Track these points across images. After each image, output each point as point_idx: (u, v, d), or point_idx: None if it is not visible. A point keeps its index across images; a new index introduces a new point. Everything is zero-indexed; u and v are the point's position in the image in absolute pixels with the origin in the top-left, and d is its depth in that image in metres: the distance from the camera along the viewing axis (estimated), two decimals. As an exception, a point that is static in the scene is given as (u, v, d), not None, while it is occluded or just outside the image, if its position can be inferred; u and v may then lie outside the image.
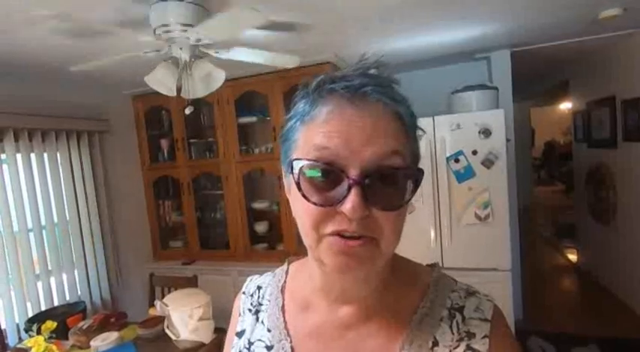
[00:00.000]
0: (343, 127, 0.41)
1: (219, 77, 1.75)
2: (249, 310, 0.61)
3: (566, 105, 7.09)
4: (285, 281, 0.61)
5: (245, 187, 3.01)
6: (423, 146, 2.36)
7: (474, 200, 2.38)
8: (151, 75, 1.67)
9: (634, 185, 2.94)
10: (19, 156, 2.38)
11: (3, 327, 2.21)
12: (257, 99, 3.03)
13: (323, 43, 2.29)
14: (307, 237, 0.44)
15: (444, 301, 0.50)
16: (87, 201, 2.79)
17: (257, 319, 0.59)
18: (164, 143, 3.24)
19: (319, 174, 0.41)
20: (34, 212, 2.44)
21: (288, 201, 0.48)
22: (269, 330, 0.56)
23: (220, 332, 1.91)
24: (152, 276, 2.65)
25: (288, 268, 0.63)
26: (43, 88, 2.56)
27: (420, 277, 0.54)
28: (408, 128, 0.44)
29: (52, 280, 2.56)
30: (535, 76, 4.37)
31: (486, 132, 2.32)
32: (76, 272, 2.71)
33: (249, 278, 0.67)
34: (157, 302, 1.99)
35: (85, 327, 1.94)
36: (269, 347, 0.54)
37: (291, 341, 0.53)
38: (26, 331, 2.05)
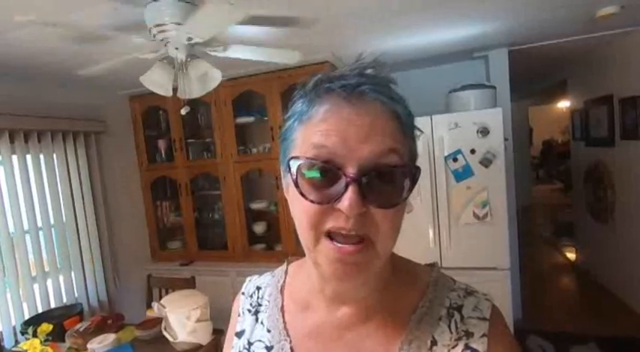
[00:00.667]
0: (341, 126, 0.41)
1: (216, 77, 1.74)
2: (249, 310, 0.61)
3: (564, 104, 7.11)
4: (284, 282, 0.61)
5: (243, 187, 3.00)
6: (421, 145, 2.39)
7: (472, 199, 2.38)
8: (146, 75, 1.65)
9: (632, 183, 2.95)
10: (14, 157, 2.36)
11: (-1, 330, 2.20)
12: (255, 99, 3.03)
13: (320, 42, 2.28)
14: (305, 237, 0.44)
15: (443, 300, 0.50)
16: (84, 203, 2.77)
17: (256, 319, 0.59)
18: (162, 143, 3.23)
19: (317, 173, 0.41)
20: (30, 213, 2.42)
21: (286, 201, 0.48)
22: (268, 331, 0.56)
23: (219, 333, 1.90)
24: (150, 277, 2.64)
25: (287, 268, 0.63)
26: (39, 89, 2.54)
27: (420, 277, 0.54)
28: (405, 127, 0.44)
29: (49, 282, 2.54)
30: (533, 74, 4.37)
31: (484, 131, 2.32)
32: (72, 273, 2.69)
33: (248, 279, 0.67)
34: (155, 304, 1.97)
35: (82, 329, 1.93)
36: (269, 348, 0.54)
37: (290, 342, 0.53)
38: (22, 333, 2.03)
